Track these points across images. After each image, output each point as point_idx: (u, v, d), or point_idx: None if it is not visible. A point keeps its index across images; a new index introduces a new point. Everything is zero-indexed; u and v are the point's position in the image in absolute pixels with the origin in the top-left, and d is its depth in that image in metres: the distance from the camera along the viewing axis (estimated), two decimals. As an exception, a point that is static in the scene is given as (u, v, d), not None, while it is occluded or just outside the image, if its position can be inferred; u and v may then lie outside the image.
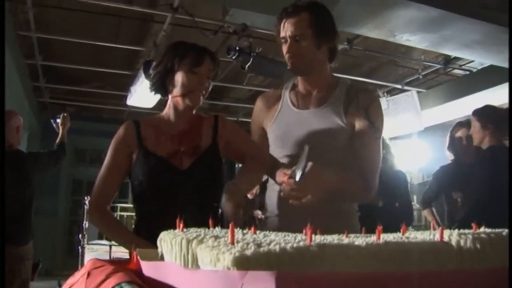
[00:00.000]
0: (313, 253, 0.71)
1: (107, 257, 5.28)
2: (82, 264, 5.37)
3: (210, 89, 1.90)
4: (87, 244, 5.74)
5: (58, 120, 4.40)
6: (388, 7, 3.88)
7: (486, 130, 3.22)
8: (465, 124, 3.77)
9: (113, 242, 6.02)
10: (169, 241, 0.92)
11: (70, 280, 1.11)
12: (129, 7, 4.96)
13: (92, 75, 7.15)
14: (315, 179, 1.58)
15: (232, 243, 0.76)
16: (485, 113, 3.29)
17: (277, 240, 0.79)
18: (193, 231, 0.96)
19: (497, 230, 0.96)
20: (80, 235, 5.48)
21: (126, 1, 4.93)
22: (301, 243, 0.74)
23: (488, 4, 4.07)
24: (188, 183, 1.81)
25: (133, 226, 1.98)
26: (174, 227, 1.06)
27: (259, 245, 0.72)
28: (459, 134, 3.83)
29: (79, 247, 5.42)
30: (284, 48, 1.92)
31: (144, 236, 1.72)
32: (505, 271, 0.82)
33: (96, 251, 6.25)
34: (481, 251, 0.88)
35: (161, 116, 1.95)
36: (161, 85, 1.90)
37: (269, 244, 0.74)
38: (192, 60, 1.83)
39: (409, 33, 4.40)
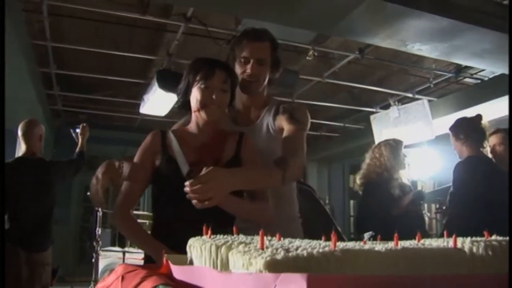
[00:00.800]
0: (337, 257, 0.77)
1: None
2: (96, 270, 5.42)
3: (227, 101, 1.94)
4: (101, 250, 5.79)
5: (78, 130, 4.50)
6: (400, 17, 3.90)
7: (459, 141, 3.34)
8: (497, 131, 3.75)
9: (126, 249, 6.10)
10: (198, 247, 0.98)
11: (101, 284, 1.17)
12: (142, 17, 5.02)
13: (105, 83, 7.18)
14: (211, 176, 1.59)
15: (262, 248, 0.82)
16: (456, 126, 3.42)
17: (304, 246, 0.85)
18: (220, 238, 1.01)
19: (508, 238, 1.01)
20: (94, 242, 5.54)
21: (140, 11, 4.98)
22: (326, 249, 0.79)
23: (497, 13, 4.09)
24: None
25: (150, 231, 2.03)
26: (191, 233, 1.12)
27: (287, 250, 0.78)
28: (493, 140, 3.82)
29: (93, 254, 5.48)
30: (243, 67, 2.11)
31: (161, 240, 1.78)
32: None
33: (109, 257, 6.31)
34: (492, 258, 0.94)
35: (187, 128, 2.01)
36: (184, 101, 1.97)
37: (296, 249, 0.80)
38: (202, 75, 1.87)
39: (420, 42, 4.42)
